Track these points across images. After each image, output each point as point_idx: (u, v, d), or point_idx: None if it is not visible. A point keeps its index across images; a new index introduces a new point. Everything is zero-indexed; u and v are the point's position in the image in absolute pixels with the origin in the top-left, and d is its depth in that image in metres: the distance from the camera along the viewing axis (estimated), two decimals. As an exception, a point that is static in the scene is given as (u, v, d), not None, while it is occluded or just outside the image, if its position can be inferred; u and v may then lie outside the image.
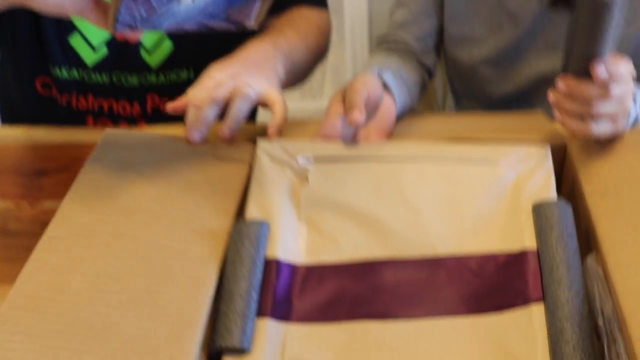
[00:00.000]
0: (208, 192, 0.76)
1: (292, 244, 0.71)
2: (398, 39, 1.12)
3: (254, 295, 0.65)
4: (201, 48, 1.09)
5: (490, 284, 0.67)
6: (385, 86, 0.90)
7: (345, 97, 0.84)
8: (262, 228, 0.70)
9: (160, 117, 1.12)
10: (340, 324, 0.65)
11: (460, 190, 0.75)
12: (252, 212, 0.73)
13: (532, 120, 0.89)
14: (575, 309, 0.61)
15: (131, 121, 1.13)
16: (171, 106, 0.84)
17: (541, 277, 0.65)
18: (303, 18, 1.11)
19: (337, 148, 0.81)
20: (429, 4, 1.11)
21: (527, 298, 0.64)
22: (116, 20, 0.71)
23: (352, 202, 0.74)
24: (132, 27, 0.74)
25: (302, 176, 0.77)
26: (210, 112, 0.82)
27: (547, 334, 0.61)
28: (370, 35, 2.33)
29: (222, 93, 0.82)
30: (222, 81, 0.83)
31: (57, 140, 0.98)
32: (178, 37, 1.08)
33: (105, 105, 1.12)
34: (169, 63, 1.10)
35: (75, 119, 1.13)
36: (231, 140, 0.84)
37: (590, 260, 0.66)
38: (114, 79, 1.10)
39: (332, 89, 2.61)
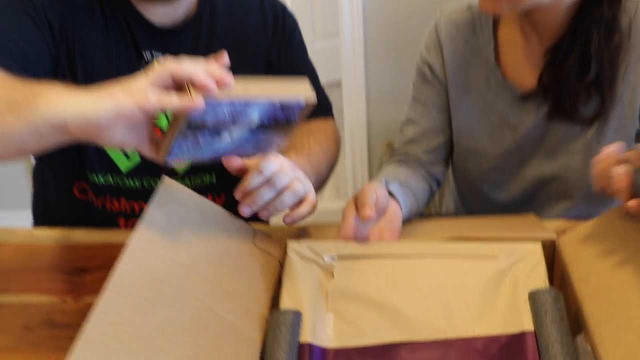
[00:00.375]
0: (250, 277, 0.86)
1: (321, 330, 0.81)
2: (409, 151, 1.24)
3: (292, 375, 0.75)
4: None
5: None
6: (392, 194, 1.02)
7: (357, 202, 0.96)
8: (296, 316, 0.80)
9: None
10: None
11: (466, 281, 0.85)
12: (286, 302, 0.84)
13: (524, 221, 1.01)
14: (569, 381, 0.71)
15: None
16: (231, 161, 0.91)
17: (539, 355, 0.75)
18: (322, 132, 1.23)
19: (357, 247, 0.92)
20: (438, 122, 1.22)
21: None
22: (168, 154, 0.83)
23: (372, 294, 0.84)
24: (178, 159, 0.85)
25: (328, 272, 0.88)
26: (267, 195, 0.91)
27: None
28: (368, 140, 2.45)
29: (283, 181, 0.91)
30: (285, 167, 0.93)
31: (95, 241, 1.07)
32: None
33: (137, 207, 1.22)
34: (194, 169, 1.22)
35: (108, 220, 1.22)
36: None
37: (580, 338, 0.76)
38: (145, 183, 1.20)
39: (332, 192, 2.70)
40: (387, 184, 1.03)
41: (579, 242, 0.88)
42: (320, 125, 1.25)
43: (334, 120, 1.34)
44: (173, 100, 0.74)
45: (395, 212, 1.01)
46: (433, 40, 1.21)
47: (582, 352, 0.74)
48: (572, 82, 1.07)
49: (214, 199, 1.25)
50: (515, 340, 0.77)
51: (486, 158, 1.20)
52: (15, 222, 1.26)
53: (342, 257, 0.90)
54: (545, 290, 0.81)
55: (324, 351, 0.79)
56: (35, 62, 1.05)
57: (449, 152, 1.26)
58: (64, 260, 1.06)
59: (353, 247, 0.92)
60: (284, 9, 1.30)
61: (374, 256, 0.90)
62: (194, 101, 0.74)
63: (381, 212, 0.98)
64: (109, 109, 0.74)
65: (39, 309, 0.99)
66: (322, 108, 1.31)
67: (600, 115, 1.09)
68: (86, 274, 1.02)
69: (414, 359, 0.77)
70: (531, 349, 0.76)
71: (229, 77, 0.76)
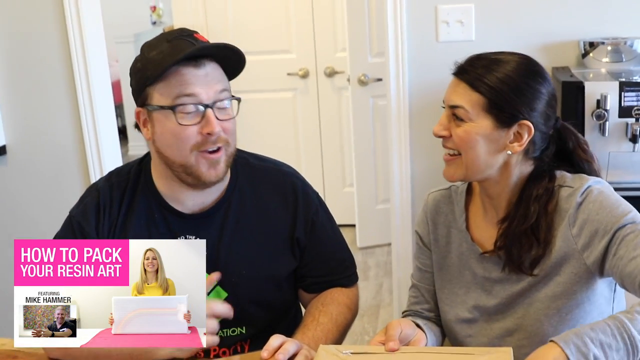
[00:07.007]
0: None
1: None
2: (417, 309, 1.51)
3: None
4: (249, 315, 1.46)
5: None
6: (418, 326, 1.32)
7: (385, 332, 1.23)
8: None
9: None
10: None
11: None
12: None
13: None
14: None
15: None
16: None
17: None
18: (335, 303, 1.49)
19: (369, 348, 1.19)
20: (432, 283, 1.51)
21: None
22: None
23: None
24: None
25: None
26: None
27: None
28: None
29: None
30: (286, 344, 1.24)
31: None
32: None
33: None
34: (228, 323, 1.41)
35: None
36: None
37: None
38: None
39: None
40: (413, 318, 1.34)
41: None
42: (335, 296, 1.50)
43: (356, 287, 1.56)
44: None
45: (420, 340, 1.28)
46: (421, 216, 1.53)
47: None
48: (518, 240, 1.32)
49: (242, 346, 1.49)
50: None
51: (462, 308, 1.43)
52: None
53: (356, 353, 1.17)
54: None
55: None
56: None
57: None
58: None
59: (366, 348, 1.20)
60: (303, 188, 1.51)
61: (382, 354, 1.17)
62: None
63: (404, 342, 1.23)
64: None
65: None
66: (345, 279, 1.55)
67: (538, 261, 1.31)
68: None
69: None
70: None
71: None
